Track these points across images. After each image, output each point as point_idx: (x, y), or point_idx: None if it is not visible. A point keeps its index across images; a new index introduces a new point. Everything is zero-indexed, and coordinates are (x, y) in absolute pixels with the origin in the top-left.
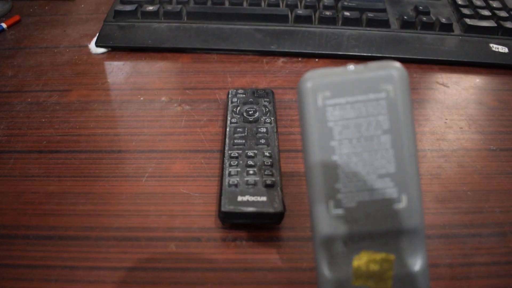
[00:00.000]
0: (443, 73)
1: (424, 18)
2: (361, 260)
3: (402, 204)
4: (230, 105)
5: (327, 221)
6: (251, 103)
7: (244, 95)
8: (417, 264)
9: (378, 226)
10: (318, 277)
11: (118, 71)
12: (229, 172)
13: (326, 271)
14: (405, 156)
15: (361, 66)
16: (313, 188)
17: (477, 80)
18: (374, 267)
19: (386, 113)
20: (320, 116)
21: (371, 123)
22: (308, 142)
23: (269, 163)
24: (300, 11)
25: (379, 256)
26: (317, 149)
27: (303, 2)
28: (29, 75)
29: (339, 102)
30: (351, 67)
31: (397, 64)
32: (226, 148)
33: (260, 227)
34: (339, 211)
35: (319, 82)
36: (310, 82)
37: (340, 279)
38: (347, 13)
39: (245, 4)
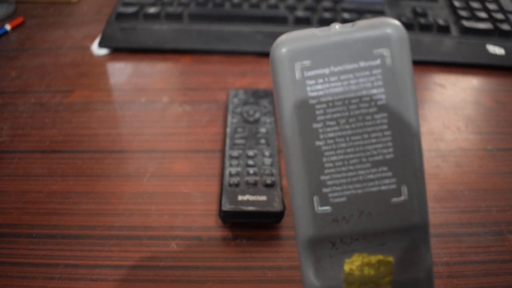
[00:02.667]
0: (441, 74)
1: (422, 20)
2: (354, 264)
3: (402, 197)
4: (230, 105)
5: (312, 220)
6: (252, 103)
7: (244, 96)
8: (420, 268)
9: (374, 224)
10: (304, 286)
11: (120, 72)
12: (230, 172)
13: (312, 278)
14: (405, 139)
15: (348, 26)
16: (293, 181)
17: (475, 81)
18: (369, 271)
19: (382, 86)
20: (299, 92)
21: (363, 98)
22: (285, 124)
23: (269, 163)
24: (299, 13)
25: (375, 258)
26: (296, 134)
27: (303, 4)
28: (32, 76)
29: (322, 73)
30: (336, 26)
31: (394, 21)
32: (227, 148)
33: (260, 226)
34: (326, 208)
35: (297, 47)
36: (285, 47)
37: (329, 287)
38: (346, 15)
39: (245, 6)
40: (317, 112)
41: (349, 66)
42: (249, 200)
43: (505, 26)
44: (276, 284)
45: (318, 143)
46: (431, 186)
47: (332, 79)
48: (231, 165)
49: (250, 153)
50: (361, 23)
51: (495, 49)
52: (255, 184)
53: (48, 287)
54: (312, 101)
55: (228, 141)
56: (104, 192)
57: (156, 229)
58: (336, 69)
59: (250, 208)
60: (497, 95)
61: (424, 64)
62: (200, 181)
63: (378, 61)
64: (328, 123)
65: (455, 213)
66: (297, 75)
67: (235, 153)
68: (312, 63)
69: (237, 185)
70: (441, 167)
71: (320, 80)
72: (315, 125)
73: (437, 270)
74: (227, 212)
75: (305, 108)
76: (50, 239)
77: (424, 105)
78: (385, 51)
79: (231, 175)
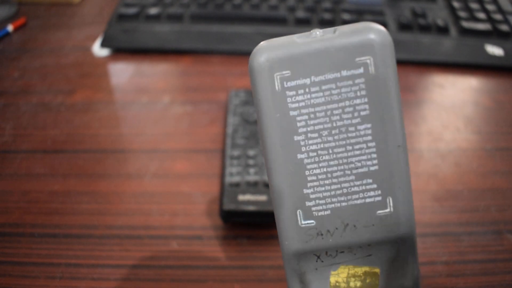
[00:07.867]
0: (440, 74)
1: (421, 21)
2: (340, 276)
3: (388, 209)
4: (231, 105)
5: (295, 234)
6: (252, 103)
7: (245, 96)
8: (407, 278)
9: (359, 237)
10: None
11: (121, 72)
12: (230, 172)
13: None
14: (390, 150)
15: (330, 31)
16: (276, 195)
17: (473, 82)
18: (355, 283)
19: (365, 95)
20: (279, 104)
21: (345, 109)
22: (266, 137)
23: None
24: (299, 14)
25: (361, 270)
26: (278, 146)
27: (303, 4)
28: (35, 76)
29: (303, 84)
30: (317, 32)
31: (378, 26)
32: (227, 148)
33: (260, 225)
34: (310, 222)
35: (276, 56)
36: (264, 56)
37: None
38: (346, 16)
39: (245, 7)
40: (299, 124)
41: (330, 76)
42: (250, 199)
43: (504, 27)
44: (277, 283)
45: (300, 156)
46: (430, 186)
47: (313, 89)
48: (231, 165)
49: (251, 153)
50: (343, 28)
51: (494, 50)
52: (255, 184)
53: (50, 286)
54: (293, 113)
55: (228, 141)
56: (106, 191)
57: (157, 229)
58: (318, 79)
59: (251, 208)
60: (496, 95)
61: (423, 64)
62: (200, 180)
63: (361, 70)
64: (310, 135)
65: (454, 212)
66: (277, 86)
67: (235, 153)
68: (292, 73)
69: (237, 184)
70: (440, 167)
71: (301, 91)
72: (296, 138)
73: (436, 269)
74: (228, 212)
75: (286, 120)
76: (52, 238)
77: (423, 105)
78: (368, 59)
79: (231, 174)
